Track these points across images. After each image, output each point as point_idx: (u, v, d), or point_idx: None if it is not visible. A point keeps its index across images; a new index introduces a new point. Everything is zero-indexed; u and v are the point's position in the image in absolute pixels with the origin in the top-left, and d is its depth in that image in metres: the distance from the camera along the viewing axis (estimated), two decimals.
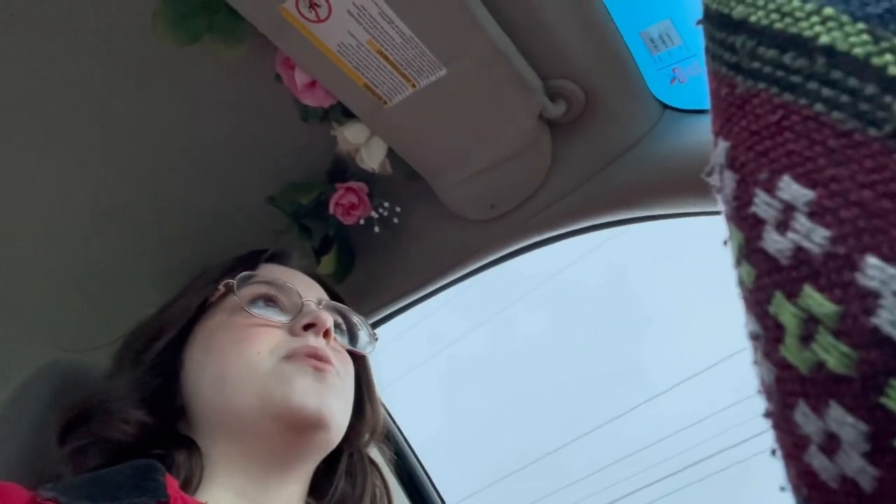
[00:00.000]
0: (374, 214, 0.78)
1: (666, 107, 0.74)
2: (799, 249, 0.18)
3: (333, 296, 0.71)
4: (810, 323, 0.17)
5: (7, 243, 0.79)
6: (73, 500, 0.45)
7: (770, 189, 0.19)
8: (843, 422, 0.17)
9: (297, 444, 0.58)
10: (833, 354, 0.17)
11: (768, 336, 0.19)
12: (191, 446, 0.56)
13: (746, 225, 0.19)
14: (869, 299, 0.16)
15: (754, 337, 0.20)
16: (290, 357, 0.59)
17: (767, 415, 0.20)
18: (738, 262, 0.20)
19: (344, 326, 0.69)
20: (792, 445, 0.19)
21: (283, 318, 0.62)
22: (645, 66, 0.71)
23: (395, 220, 0.80)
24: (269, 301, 0.64)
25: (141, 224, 0.82)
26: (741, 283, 0.20)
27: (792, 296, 0.18)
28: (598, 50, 0.68)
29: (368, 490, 0.65)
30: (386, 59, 0.62)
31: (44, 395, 0.61)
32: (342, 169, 0.78)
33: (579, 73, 0.69)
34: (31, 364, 0.66)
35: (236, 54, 0.64)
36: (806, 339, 0.18)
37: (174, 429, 0.59)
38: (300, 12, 0.58)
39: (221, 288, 0.64)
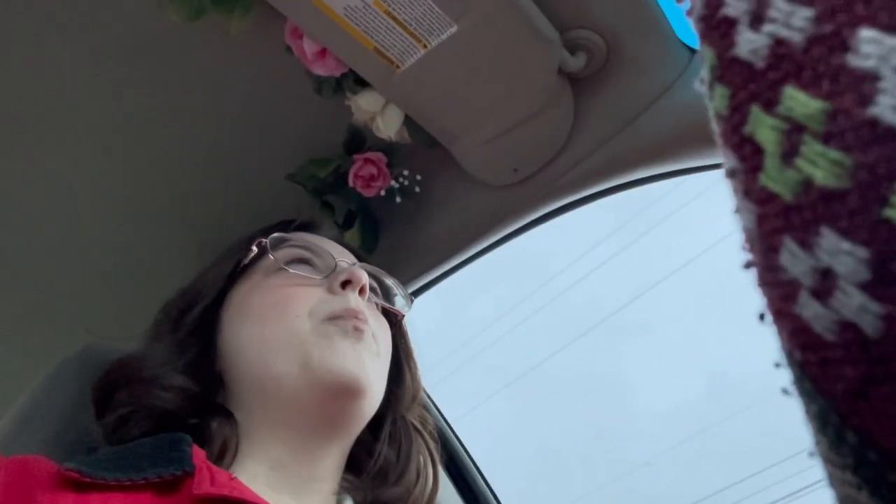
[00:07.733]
0: (394, 184, 0.76)
1: (694, 51, 0.70)
2: (777, 43, 0.14)
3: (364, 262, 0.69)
4: (793, 133, 0.14)
5: (37, 235, 0.80)
6: (96, 471, 0.45)
7: None
8: (838, 250, 0.13)
9: (335, 411, 0.56)
10: (822, 165, 0.13)
11: (746, 167, 0.16)
12: (228, 417, 0.56)
13: (718, 34, 0.16)
14: (865, 84, 0.13)
15: (731, 174, 0.16)
16: (331, 319, 0.57)
17: (748, 266, 0.16)
18: (712, 89, 0.17)
19: (379, 289, 0.68)
20: (780, 299, 0.15)
21: (318, 277, 0.61)
22: (669, 8, 0.67)
23: (417, 190, 0.78)
24: (303, 262, 0.63)
25: (165, 210, 0.82)
26: (717, 115, 0.17)
27: (771, 104, 0.14)
28: None
29: (413, 458, 0.63)
30: (394, 19, 0.59)
31: (78, 379, 0.61)
32: (359, 140, 0.76)
33: (599, 21, 0.65)
34: (64, 353, 0.66)
35: (242, 27, 0.63)
36: (789, 155, 0.14)
37: (211, 399, 0.58)
38: None
39: (255, 248, 0.64)
